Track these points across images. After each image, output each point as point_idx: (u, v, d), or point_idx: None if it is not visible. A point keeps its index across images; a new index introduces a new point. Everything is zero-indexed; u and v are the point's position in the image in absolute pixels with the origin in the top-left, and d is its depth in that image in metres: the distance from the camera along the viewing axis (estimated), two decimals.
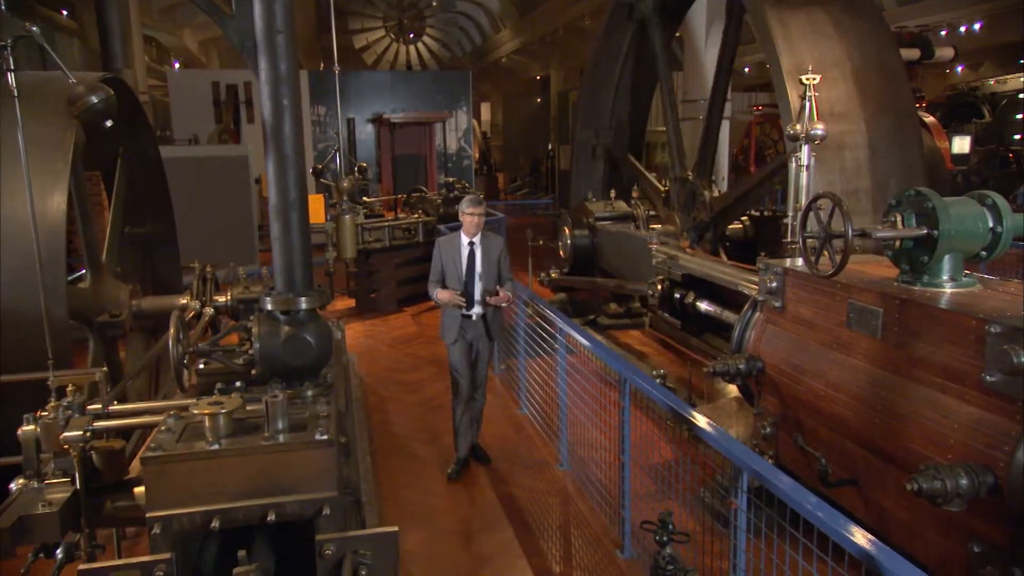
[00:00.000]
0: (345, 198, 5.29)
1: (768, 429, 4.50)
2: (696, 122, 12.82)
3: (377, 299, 10.72)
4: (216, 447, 2.31)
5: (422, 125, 18.77)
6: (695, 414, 3.55)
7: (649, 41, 9.11)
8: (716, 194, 8.23)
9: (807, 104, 5.16)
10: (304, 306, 2.79)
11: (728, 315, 5.82)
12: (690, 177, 8.18)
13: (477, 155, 26.39)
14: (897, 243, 3.68)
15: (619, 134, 10.52)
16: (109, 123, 2.77)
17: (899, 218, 3.66)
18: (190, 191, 9.16)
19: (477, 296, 5.30)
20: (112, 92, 2.64)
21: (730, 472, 3.05)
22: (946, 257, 3.60)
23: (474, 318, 5.34)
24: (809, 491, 2.70)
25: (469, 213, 5.24)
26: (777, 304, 4.48)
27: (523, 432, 6.16)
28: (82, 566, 2.22)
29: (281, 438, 2.37)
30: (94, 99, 2.61)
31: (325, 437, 2.37)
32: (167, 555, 2.25)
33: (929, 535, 3.35)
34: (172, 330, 2.79)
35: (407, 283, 10.93)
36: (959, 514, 3.19)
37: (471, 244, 5.29)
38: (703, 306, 6.26)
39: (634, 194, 9.56)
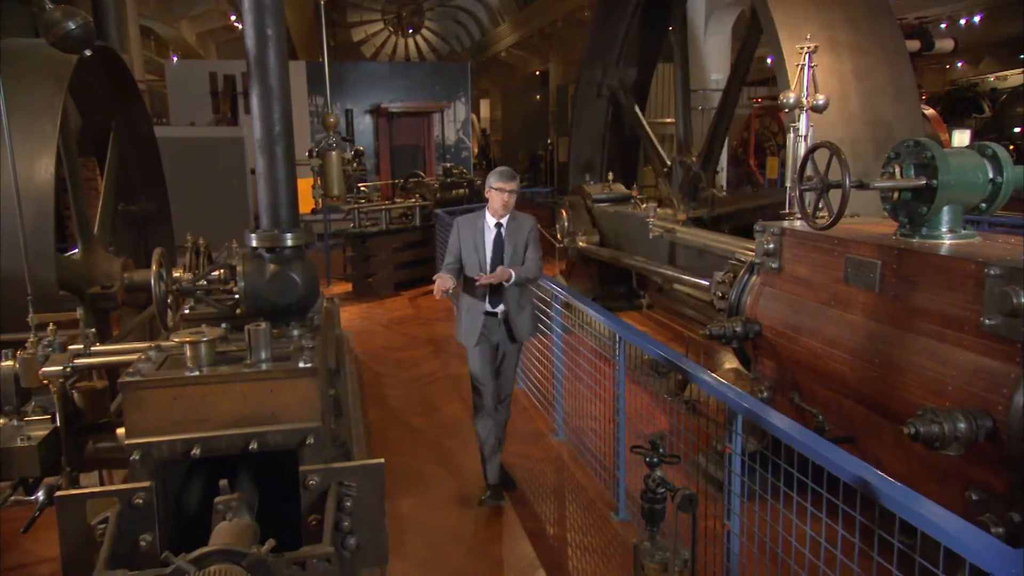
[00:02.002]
0: (331, 133, 5.18)
1: (765, 393, 4.45)
2: (695, 112, 12.75)
3: (374, 283, 10.67)
4: (196, 373, 2.26)
5: (420, 115, 18.71)
6: (687, 362, 3.50)
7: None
8: (720, 192, 8.07)
9: (805, 72, 5.10)
10: (290, 243, 2.73)
11: None
12: (694, 165, 8.01)
13: (476, 150, 26.34)
14: (896, 195, 3.62)
15: (626, 78, 10.18)
16: (88, 52, 2.71)
17: (898, 169, 3.60)
18: (186, 172, 9.10)
19: (508, 290, 4.40)
20: (90, 19, 2.59)
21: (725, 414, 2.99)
22: (945, 208, 3.55)
23: (500, 315, 4.44)
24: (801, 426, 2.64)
25: (498, 188, 4.27)
26: (774, 265, 4.43)
27: (518, 404, 6.10)
28: (60, 493, 2.16)
29: (264, 366, 2.31)
30: (71, 24, 2.55)
31: (309, 365, 2.31)
32: (146, 483, 2.20)
33: (927, 486, 3.29)
34: (154, 267, 2.73)
35: (404, 267, 10.89)
36: (957, 463, 3.15)
37: (498, 227, 4.35)
38: None
39: (634, 192, 9.48)
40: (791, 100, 5.18)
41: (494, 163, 30.69)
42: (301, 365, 2.31)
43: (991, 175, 3.52)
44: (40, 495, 2.74)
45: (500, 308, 4.38)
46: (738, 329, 4.47)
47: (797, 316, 4.19)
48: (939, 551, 2.10)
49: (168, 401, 2.25)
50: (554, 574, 3.78)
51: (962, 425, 2.90)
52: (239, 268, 2.75)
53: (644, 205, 8.29)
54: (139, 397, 2.23)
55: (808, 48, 5.08)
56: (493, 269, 4.27)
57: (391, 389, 6.64)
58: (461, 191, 11.84)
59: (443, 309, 9.43)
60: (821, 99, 4.95)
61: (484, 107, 37.97)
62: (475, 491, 4.63)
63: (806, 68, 5.08)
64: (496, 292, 4.34)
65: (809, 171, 4.12)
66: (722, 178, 13.63)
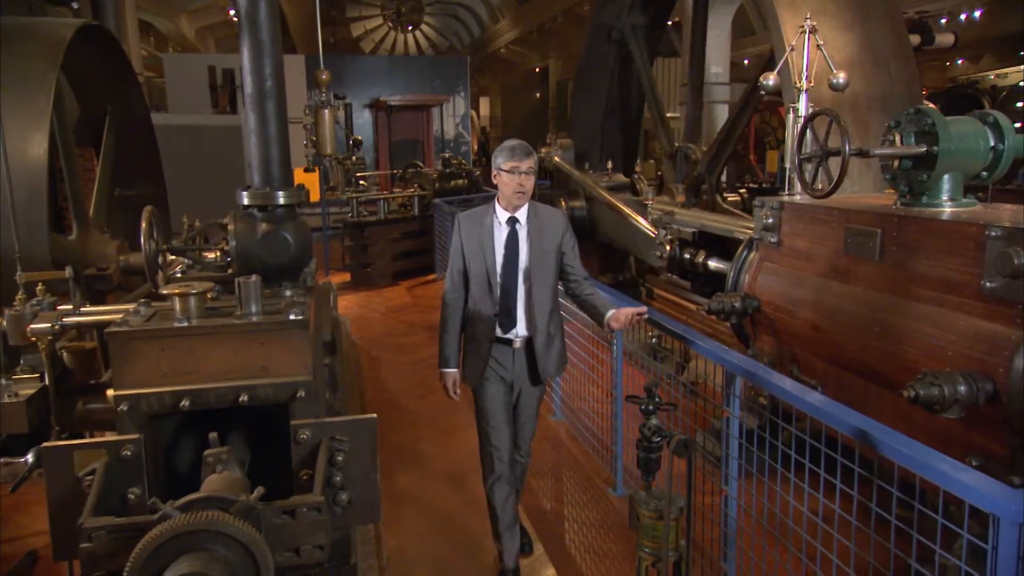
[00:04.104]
0: (324, 90, 5.12)
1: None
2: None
3: (372, 273, 10.64)
4: (185, 324, 2.22)
5: (419, 109, 18.69)
6: (686, 329, 3.47)
7: None
8: (723, 204, 7.99)
9: (805, 52, 5.07)
10: (282, 201, 2.70)
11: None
12: (700, 164, 7.92)
13: (475, 147, 26.32)
14: (896, 163, 3.59)
15: (638, 23, 9.68)
16: (76, 5, 2.68)
17: (898, 137, 3.57)
18: (183, 159, 9.07)
19: (521, 309, 3.28)
20: None
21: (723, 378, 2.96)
22: (946, 176, 3.51)
23: (516, 344, 3.30)
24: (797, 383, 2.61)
25: (509, 170, 3.14)
26: (773, 240, 4.40)
27: None
28: (46, 444, 2.13)
29: (254, 319, 2.28)
30: None
31: (300, 318, 2.28)
32: (135, 435, 2.16)
33: None
34: (144, 225, 2.70)
35: (402, 257, 10.87)
36: (957, 430, 3.12)
37: (513, 223, 3.24)
38: (713, 264, 5.75)
39: (637, 169, 9.46)
40: (770, 83, 5.14)
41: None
42: (292, 317, 2.28)
43: (992, 143, 3.49)
44: (29, 458, 2.71)
45: (516, 334, 3.29)
46: (736, 304, 4.44)
47: (796, 289, 4.15)
48: (938, 500, 2.07)
49: (156, 352, 2.22)
50: (552, 547, 3.75)
51: (962, 388, 2.87)
52: (230, 227, 2.73)
53: (644, 186, 8.34)
54: (127, 348, 2.20)
55: (807, 28, 5.05)
56: (505, 278, 3.23)
57: (388, 373, 6.62)
58: (460, 182, 11.82)
59: (441, 297, 9.39)
60: (831, 77, 4.89)
61: (484, 105, 37.90)
62: (471, 468, 4.59)
63: (805, 48, 5.06)
64: (508, 312, 3.26)
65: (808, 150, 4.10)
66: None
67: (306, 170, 7.23)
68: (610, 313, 3.23)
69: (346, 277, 10.91)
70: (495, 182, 3.26)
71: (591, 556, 3.68)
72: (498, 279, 3.25)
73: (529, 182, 3.19)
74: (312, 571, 2.18)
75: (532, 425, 3.57)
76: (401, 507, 4.13)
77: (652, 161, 13.54)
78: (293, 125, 3.72)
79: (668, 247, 6.28)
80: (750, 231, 4.96)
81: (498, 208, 3.28)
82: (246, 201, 2.69)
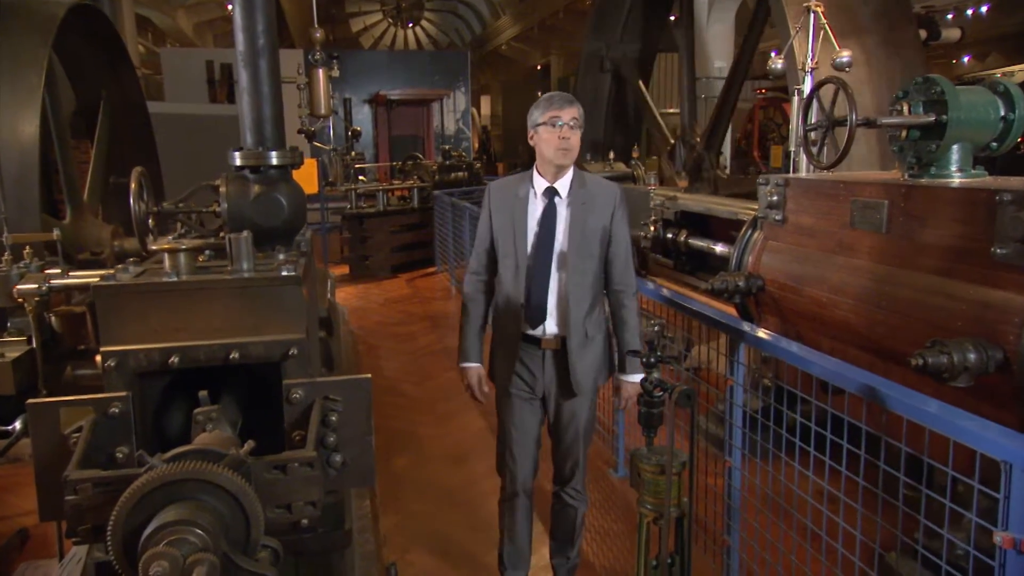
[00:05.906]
0: (318, 49, 5.03)
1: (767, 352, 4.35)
2: (699, 100, 12.64)
3: (371, 265, 10.59)
4: (174, 279, 2.16)
5: (420, 104, 18.64)
6: (687, 299, 3.40)
7: None
8: (724, 175, 8.00)
9: (810, 32, 5.01)
10: (275, 162, 2.64)
11: (720, 248, 5.68)
12: (698, 145, 7.95)
13: (476, 145, 26.26)
14: (903, 133, 3.52)
15: (629, 52, 9.97)
16: None
17: (906, 107, 3.50)
18: (181, 148, 9.00)
19: (553, 301, 2.77)
20: None
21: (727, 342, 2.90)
22: (955, 146, 3.44)
23: (546, 345, 2.81)
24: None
25: (548, 121, 2.69)
26: (778, 217, 4.33)
27: None
28: (32, 400, 2.06)
29: (245, 274, 2.22)
30: None
31: (292, 273, 2.22)
32: (123, 393, 2.10)
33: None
34: (134, 186, 2.64)
35: (402, 249, 10.81)
36: (966, 402, 3.04)
37: (551, 194, 2.76)
38: (694, 242, 6.04)
39: (634, 154, 9.42)
40: (778, 67, 5.11)
41: (495, 157, 30.47)
42: (284, 273, 2.22)
43: (1002, 112, 3.42)
44: (17, 425, 2.65)
45: (545, 330, 2.79)
46: (740, 283, 4.38)
47: (801, 267, 4.09)
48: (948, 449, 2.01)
49: (145, 308, 2.15)
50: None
51: (972, 355, 2.80)
52: (222, 189, 2.67)
53: (643, 172, 8.30)
54: (114, 304, 2.13)
55: (813, 7, 4.99)
56: (537, 260, 2.74)
57: (387, 360, 6.56)
58: (460, 174, 11.76)
59: (441, 289, 9.34)
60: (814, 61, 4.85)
61: (485, 104, 37.85)
62: (471, 450, 4.54)
63: (810, 28, 5.01)
64: (538, 303, 2.76)
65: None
66: (726, 163, 13.52)
67: (299, 132, 7.18)
68: (623, 380, 2.83)
69: (345, 270, 10.86)
70: (531, 144, 2.76)
71: (592, 535, 3.62)
72: (527, 261, 2.75)
73: (574, 137, 2.68)
74: (306, 534, 2.12)
75: (578, 452, 2.97)
76: (400, 488, 4.07)
77: (654, 158, 13.51)
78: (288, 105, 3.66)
79: (652, 228, 6.50)
80: (754, 211, 4.91)
81: (536, 176, 2.78)
82: (238, 162, 2.63)
